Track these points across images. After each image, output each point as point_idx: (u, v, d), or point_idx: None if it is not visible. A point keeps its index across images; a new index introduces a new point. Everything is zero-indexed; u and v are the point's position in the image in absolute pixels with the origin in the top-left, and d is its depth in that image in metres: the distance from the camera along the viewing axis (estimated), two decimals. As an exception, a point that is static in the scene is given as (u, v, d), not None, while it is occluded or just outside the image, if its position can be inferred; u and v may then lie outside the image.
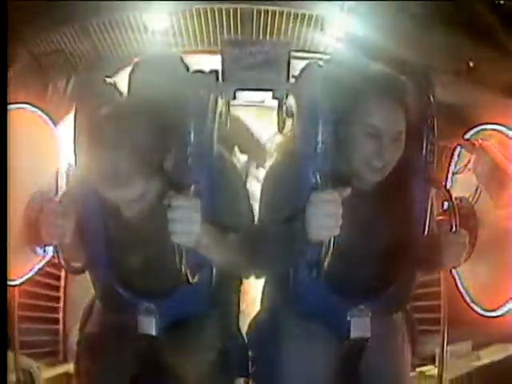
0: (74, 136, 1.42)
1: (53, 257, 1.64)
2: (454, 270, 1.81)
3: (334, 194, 1.19)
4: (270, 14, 2.67)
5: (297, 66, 1.53)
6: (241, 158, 2.09)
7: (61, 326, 2.68)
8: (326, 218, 1.18)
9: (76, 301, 2.50)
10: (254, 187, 1.63)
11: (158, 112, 1.32)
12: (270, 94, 1.57)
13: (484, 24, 2.40)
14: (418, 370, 2.19)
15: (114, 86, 1.43)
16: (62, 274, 2.64)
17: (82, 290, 1.70)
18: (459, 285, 1.82)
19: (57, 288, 2.69)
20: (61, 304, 2.69)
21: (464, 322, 1.89)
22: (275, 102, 1.61)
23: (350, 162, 1.38)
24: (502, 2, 2.41)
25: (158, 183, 1.37)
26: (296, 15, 2.68)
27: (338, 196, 1.19)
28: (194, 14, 2.70)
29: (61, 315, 2.68)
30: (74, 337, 1.67)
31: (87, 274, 1.55)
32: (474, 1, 2.44)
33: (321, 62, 1.49)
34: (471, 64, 2.48)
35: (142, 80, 1.47)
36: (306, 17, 2.69)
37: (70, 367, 2.28)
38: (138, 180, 1.32)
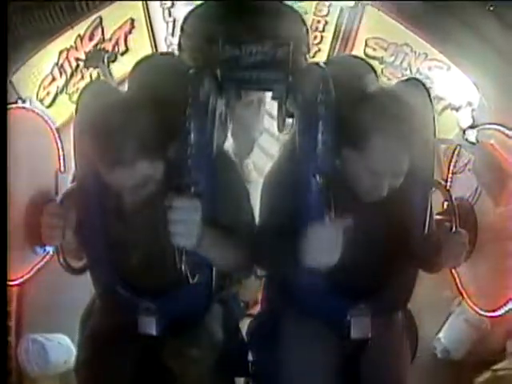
0: (75, 130, 1.42)
1: (52, 256, 1.65)
2: (453, 270, 1.82)
3: (334, 225, 1.20)
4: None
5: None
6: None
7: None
8: (325, 253, 1.20)
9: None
10: (255, 187, 1.63)
11: (159, 107, 1.32)
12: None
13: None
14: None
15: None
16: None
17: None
18: (459, 285, 1.82)
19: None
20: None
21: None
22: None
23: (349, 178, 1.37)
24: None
25: (160, 170, 1.34)
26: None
27: (338, 228, 1.19)
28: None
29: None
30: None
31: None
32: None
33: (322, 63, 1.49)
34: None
35: (143, 79, 1.47)
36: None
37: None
38: (141, 162, 1.29)
